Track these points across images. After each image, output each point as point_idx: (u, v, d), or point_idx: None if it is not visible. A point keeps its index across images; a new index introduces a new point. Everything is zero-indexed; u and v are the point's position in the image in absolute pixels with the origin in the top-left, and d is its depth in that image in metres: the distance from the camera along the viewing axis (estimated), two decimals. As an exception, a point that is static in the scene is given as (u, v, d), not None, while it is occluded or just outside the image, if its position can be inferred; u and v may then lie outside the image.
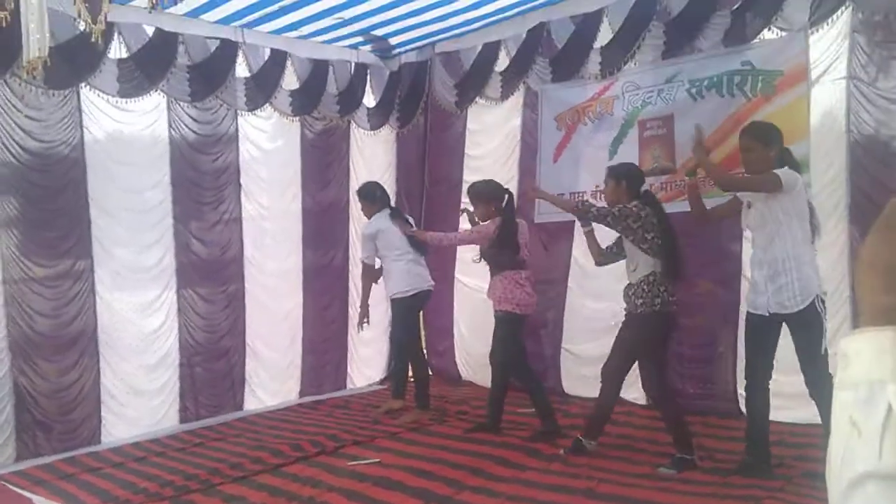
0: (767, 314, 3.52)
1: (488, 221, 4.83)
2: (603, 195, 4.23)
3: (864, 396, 0.70)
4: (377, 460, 4.30)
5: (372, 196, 5.56)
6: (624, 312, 4.11)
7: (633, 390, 5.15)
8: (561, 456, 4.12)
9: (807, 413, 3.91)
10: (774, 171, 3.51)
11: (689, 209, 4.50)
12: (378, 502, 3.60)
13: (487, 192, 4.90)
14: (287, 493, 3.80)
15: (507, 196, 4.88)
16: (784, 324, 3.53)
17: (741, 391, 4.69)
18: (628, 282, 4.06)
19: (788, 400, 3.75)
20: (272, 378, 6.13)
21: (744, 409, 4.60)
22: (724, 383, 4.84)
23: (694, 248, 4.80)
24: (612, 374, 4.08)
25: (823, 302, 3.45)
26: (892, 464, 0.66)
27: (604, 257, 4.39)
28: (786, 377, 3.74)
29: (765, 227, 3.53)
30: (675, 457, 3.85)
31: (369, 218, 5.52)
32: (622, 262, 4.31)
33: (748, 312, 3.70)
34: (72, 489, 4.12)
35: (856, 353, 0.73)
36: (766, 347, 3.59)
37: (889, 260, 0.75)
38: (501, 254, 4.75)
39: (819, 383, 3.33)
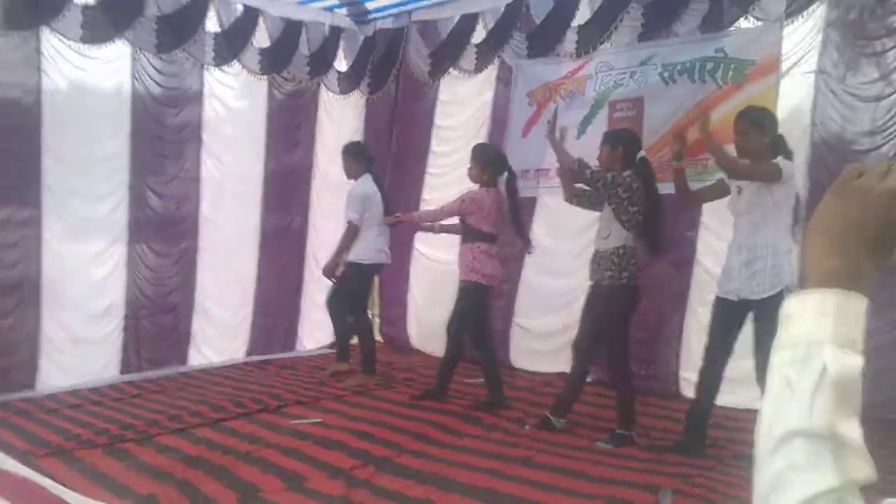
0: (736, 299, 3.52)
1: (480, 190, 4.68)
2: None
3: (801, 356, 0.71)
4: (319, 420, 4.26)
5: (360, 155, 5.44)
6: (589, 285, 4.08)
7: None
8: (525, 431, 4.05)
9: (744, 398, 3.96)
10: (775, 161, 3.46)
11: (663, 191, 4.56)
12: (316, 461, 3.55)
13: (487, 157, 4.76)
14: (224, 447, 3.74)
15: (508, 171, 4.75)
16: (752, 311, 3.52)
17: (682, 374, 4.76)
18: (596, 249, 4.00)
19: (729, 384, 3.77)
20: (220, 336, 6.04)
21: (683, 392, 4.70)
22: (667, 365, 4.91)
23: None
24: (584, 349, 4.06)
25: (788, 294, 3.43)
26: (821, 423, 0.67)
27: (576, 198, 4.30)
28: (733, 362, 3.76)
29: (752, 214, 3.50)
30: (614, 432, 3.87)
31: (351, 177, 5.40)
32: (581, 239, 4.30)
33: (717, 297, 3.68)
34: (1, 432, 4.00)
35: (799, 313, 0.74)
36: (729, 333, 3.59)
37: (840, 225, 0.76)
38: (481, 224, 4.64)
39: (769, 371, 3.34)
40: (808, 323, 0.72)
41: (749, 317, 3.54)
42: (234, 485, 3.23)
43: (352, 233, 5.27)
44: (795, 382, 0.69)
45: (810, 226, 0.78)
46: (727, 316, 3.59)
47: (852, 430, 0.67)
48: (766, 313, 3.36)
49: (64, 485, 3.06)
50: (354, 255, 5.31)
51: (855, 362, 0.69)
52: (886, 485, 0.64)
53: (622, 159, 3.99)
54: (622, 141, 4.07)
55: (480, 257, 4.61)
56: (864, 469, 0.66)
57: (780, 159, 3.49)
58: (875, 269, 0.75)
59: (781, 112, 4.52)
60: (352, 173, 5.41)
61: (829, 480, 0.65)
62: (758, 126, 3.56)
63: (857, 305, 0.72)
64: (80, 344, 5.19)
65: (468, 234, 4.68)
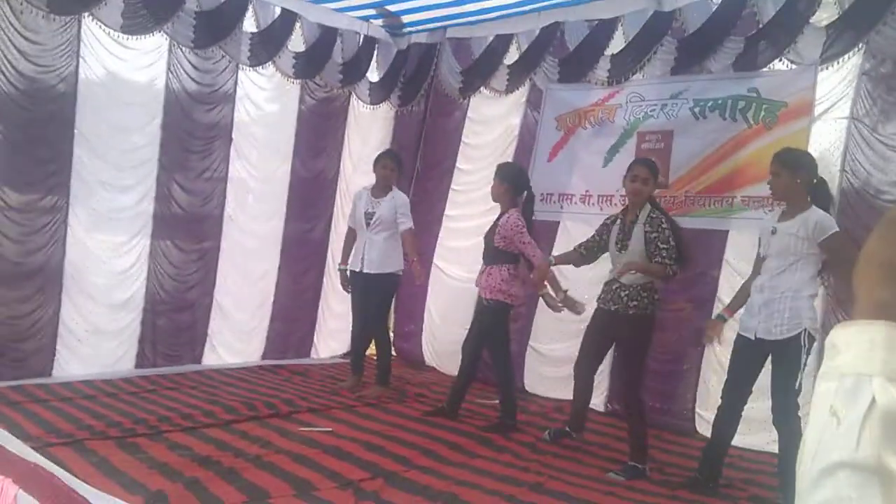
0: (754, 338, 3.51)
1: (514, 213, 4.65)
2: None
3: (849, 387, 0.69)
4: (330, 429, 4.26)
5: (401, 164, 5.48)
6: (602, 310, 4.07)
7: (592, 396, 5.17)
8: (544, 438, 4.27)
9: (761, 440, 3.94)
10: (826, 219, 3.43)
11: (690, 225, 4.71)
12: (325, 469, 3.55)
13: (512, 175, 4.79)
14: (234, 449, 3.75)
15: (528, 191, 4.79)
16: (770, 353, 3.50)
17: (699, 411, 4.73)
18: (617, 280, 3.96)
19: (746, 424, 3.76)
20: (236, 338, 6.07)
21: (699, 429, 4.68)
22: (684, 401, 4.87)
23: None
24: (634, 382, 4.07)
25: (812, 338, 3.39)
26: (868, 455, 0.66)
27: (583, 259, 4.32)
28: (750, 402, 3.75)
29: (783, 258, 3.48)
30: (626, 464, 3.85)
31: (391, 185, 5.33)
32: (600, 266, 4.31)
33: (738, 334, 3.66)
34: (16, 417, 4.04)
35: (845, 344, 0.73)
36: (748, 371, 3.58)
37: (886, 256, 0.75)
38: (510, 247, 4.63)
39: (785, 413, 3.33)
40: (856, 354, 0.70)
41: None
42: (244, 487, 3.24)
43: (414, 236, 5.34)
44: (842, 413, 0.68)
45: (861, 257, 0.77)
46: (745, 354, 3.58)
47: None
48: (783, 354, 3.37)
49: (74, 474, 3.07)
50: (394, 265, 5.27)
51: None
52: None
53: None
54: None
55: (507, 278, 4.63)
56: None
57: (813, 209, 3.47)
58: None
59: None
60: (394, 182, 5.36)
61: None
62: (788, 167, 3.54)
63: None
64: (98, 334, 5.24)
65: (499, 256, 4.66)
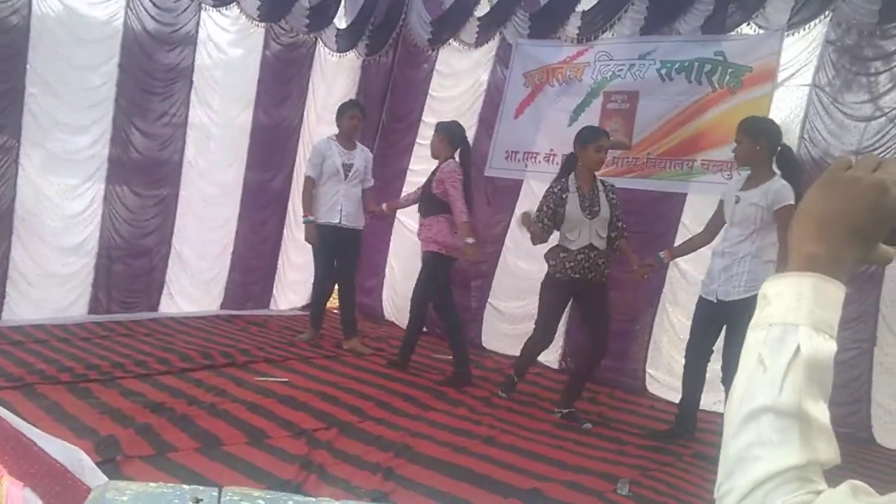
0: (715, 300, 3.66)
1: (452, 163, 4.67)
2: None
3: (776, 336, 0.71)
4: (286, 380, 4.27)
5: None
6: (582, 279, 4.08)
7: (547, 353, 5.25)
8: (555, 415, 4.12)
9: (708, 400, 4.06)
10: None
11: (636, 186, 4.86)
12: (279, 418, 3.57)
13: (447, 128, 4.81)
14: (188, 397, 3.74)
15: (463, 146, 4.78)
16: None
17: (650, 370, 4.85)
18: (597, 247, 4.06)
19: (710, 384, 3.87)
20: (195, 286, 6.00)
21: (649, 388, 4.81)
22: (635, 361, 4.97)
23: (631, 228, 4.86)
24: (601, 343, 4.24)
25: None
26: (791, 401, 0.68)
27: (547, 233, 4.18)
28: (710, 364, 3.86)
29: (745, 226, 3.59)
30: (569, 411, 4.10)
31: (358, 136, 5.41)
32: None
33: (700, 297, 3.82)
34: (-36, 360, 3.97)
35: (776, 294, 0.74)
36: (708, 332, 3.75)
37: (823, 212, 0.76)
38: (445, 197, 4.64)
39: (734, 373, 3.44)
40: (785, 304, 0.72)
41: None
42: (196, 434, 3.24)
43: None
44: (768, 361, 0.70)
45: (797, 211, 0.78)
46: (706, 316, 3.75)
47: (821, 412, 0.68)
48: (739, 315, 3.46)
49: (23, 418, 3.03)
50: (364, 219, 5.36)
51: (829, 347, 0.70)
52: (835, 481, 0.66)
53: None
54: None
55: (443, 229, 4.64)
56: (829, 451, 0.67)
57: (775, 179, 3.56)
58: (856, 260, 0.75)
59: (773, 122, 4.60)
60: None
61: (794, 458, 0.66)
62: (751, 135, 3.63)
63: (835, 292, 0.73)
64: (49, 278, 5.13)
65: (434, 205, 4.67)
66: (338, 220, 5.12)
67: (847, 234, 0.75)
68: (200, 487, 1.17)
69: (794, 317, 0.71)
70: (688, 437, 3.85)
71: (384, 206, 5.31)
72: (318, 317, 5.46)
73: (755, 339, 0.74)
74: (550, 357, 5.18)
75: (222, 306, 6.13)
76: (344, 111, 5.23)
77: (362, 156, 5.26)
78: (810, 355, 0.69)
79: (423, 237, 4.74)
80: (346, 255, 5.27)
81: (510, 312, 5.66)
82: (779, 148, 3.65)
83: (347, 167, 5.14)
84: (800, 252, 0.76)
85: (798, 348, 0.69)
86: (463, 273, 5.99)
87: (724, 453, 0.71)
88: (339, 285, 5.43)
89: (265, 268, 6.42)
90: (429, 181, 4.75)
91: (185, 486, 1.17)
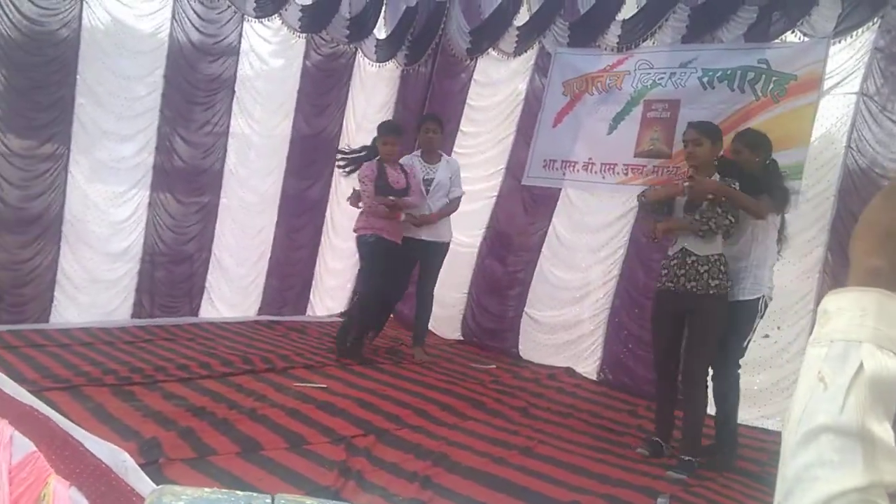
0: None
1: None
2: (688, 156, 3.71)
3: (838, 353, 0.69)
4: (324, 386, 4.30)
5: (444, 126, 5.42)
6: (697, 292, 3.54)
7: (585, 364, 5.22)
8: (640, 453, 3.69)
9: (752, 414, 3.98)
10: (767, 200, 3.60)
11: None
12: (318, 424, 3.59)
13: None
14: (229, 401, 3.79)
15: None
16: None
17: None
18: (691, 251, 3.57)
19: (748, 399, 3.79)
20: (233, 291, 6.08)
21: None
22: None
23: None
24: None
25: (766, 304, 3.68)
26: (852, 420, 0.66)
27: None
28: (742, 377, 3.78)
29: (740, 231, 3.67)
30: (682, 458, 3.53)
31: (436, 147, 5.29)
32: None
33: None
34: (13, 360, 4.07)
35: (837, 310, 0.72)
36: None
37: (883, 224, 0.75)
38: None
39: (724, 375, 3.65)
40: (847, 320, 0.70)
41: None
42: (237, 438, 3.28)
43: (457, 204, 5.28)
44: (829, 378, 0.68)
45: (857, 225, 0.77)
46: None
47: (885, 432, 0.66)
48: (740, 315, 3.61)
49: (69, 418, 3.10)
50: (447, 235, 5.27)
51: (894, 364, 0.68)
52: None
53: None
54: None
55: (371, 215, 5.01)
56: (894, 472, 0.65)
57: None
58: None
59: (818, 130, 4.51)
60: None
61: (856, 479, 0.64)
62: (749, 147, 3.72)
63: None
64: (95, 283, 5.26)
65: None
66: (415, 234, 5.12)
67: None
68: (254, 494, 1.18)
69: (857, 333, 0.69)
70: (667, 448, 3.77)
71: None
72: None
73: (815, 355, 0.72)
74: (589, 368, 5.13)
75: (260, 311, 6.20)
76: (419, 126, 5.36)
77: (447, 167, 5.23)
78: (874, 373, 0.67)
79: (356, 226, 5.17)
80: (428, 268, 5.27)
81: (546, 322, 5.62)
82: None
83: (428, 182, 5.16)
84: (862, 266, 0.74)
85: (861, 366, 0.67)
86: (499, 282, 5.98)
87: (781, 472, 0.70)
88: (418, 297, 5.36)
89: (301, 274, 6.47)
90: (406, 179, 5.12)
91: (240, 493, 1.18)
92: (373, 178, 4.93)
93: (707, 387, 3.64)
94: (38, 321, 4.94)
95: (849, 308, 0.71)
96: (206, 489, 1.27)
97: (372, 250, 4.98)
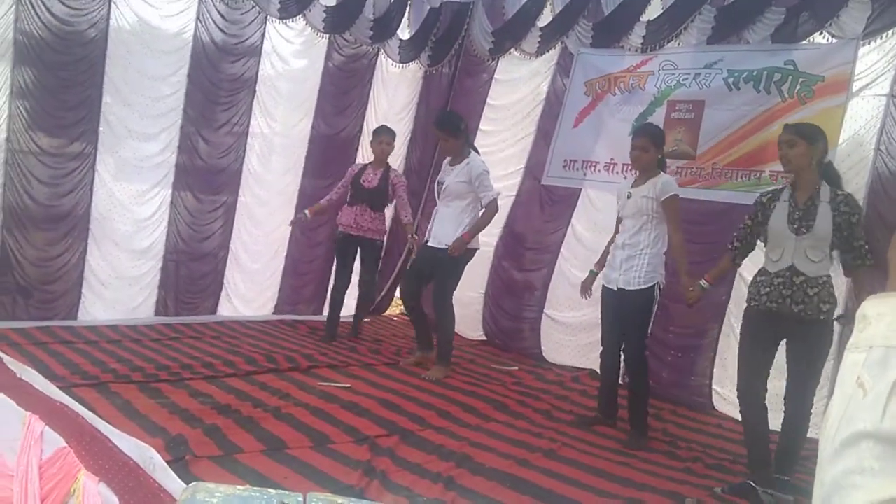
0: (616, 289, 3.96)
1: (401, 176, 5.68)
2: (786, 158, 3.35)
3: (878, 359, 0.68)
4: (348, 386, 4.31)
5: (458, 128, 4.88)
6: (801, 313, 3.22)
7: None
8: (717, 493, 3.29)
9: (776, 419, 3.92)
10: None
11: (701, 197, 4.76)
12: (342, 424, 3.61)
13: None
14: (254, 400, 3.82)
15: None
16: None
17: (716, 388, 4.73)
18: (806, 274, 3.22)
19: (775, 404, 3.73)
20: (249, 289, 6.11)
21: (716, 405, 4.68)
22: (701, 376, 4.83)
23: (696, 239, 4.78)
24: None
25: (661, 290, 3.93)
26: (893, 427, 0.65)
27: (739, 255, 3.67)
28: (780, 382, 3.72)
29: (637, 218, 3.94)
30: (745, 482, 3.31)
31: (455, 151, 4.85)
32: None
33: (602, 286, 4.13)
34: (43, 356, 4.13)
35: (877, 315, 0.72)
36: (615, 318, 4.03)
37: None
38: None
39: (639, 351, 3.91)
40: (887, 326, 0.69)
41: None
42: (262, 437, 3.31)
43: (495, 212, 4.82)
44: (869, 385, 0.67)
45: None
46: (611, 304, 4.04)
47: None
48: (631, 303, 3.89)
49: (98, 415, 3.14)
50: (476, 240, 4.87)
51: None
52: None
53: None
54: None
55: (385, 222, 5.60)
56: None
57: (661, 174, 3.96)
58: None
59: (847, 132, 4.46)
60: (455, 148, 4.84)
61: None
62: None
63: None
64: (120, 279, 5.32)
65: (383, 202, 5.64)
66: (427, 239, 4.95)
67: None
68: (286, 492, 1.19)
69: None
70: (610, 422, 4.10)
71: (307, 212, 5.60)
72: (424, 337, 5.12)
73: (854, 360, 0.71)
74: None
75: (276, 309, 6.24)
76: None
77: (463, 170, 4.75)
78: None
79: (374, 228, 5.53)
80: (436, 276, 4.92)
81: (567, 322, 5.60)
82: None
83: (440, 185, 4.90)
84: None
85: None
86: (515, 282, 5.97)
87: (819, 478, 0.69)
88: (433, 306, 5.05)
89: (317, 272, 6.48)
90: (382, 182, 5.50)
91: (272, 491, 1.19)
92: (352, 174, 5.57)
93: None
94: (66, 318, 5.00)
95: (889, 313, 0.70)
96: (239, 487, 1.28)
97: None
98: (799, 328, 3.22)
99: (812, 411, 3.36)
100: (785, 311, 3.22)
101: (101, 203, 5.13)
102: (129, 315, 5.33)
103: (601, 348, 4.21)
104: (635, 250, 3.91)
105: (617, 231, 4.17)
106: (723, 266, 3.73)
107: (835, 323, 3.30)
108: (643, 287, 3.87)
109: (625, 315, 3.94)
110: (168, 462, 2.72)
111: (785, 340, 3.34)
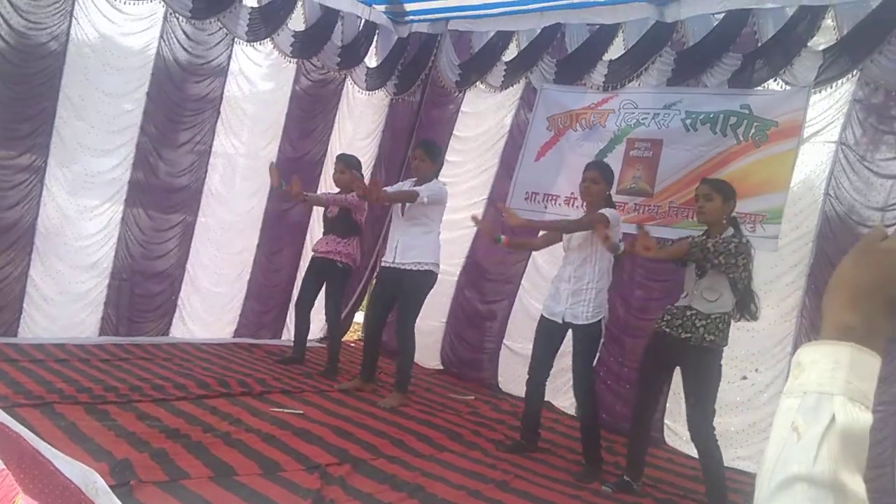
0: (561, 322, 4.03)
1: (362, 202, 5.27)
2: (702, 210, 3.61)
3: (811, 404, 0.71)
4: (301, 412, 4.25)
5: (438, 156, 5.00)
6: (666, 333, 3.58)
7: (563, 398, 5.21)
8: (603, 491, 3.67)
9: (729, 455, 3.99)
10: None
11: (658, 234, 4.66)
12: (293, 451, 3.54)
13: (354, 164, 5.50)
14: (204, 425, 3.73)
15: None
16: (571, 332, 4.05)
17: (667, 422, 4.78)
18: (695, 307, 3.52)
19: (725, 440, 3.79)
20: (208, 312, 6.01)
21: (667, 440, 4.73)
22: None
23: (653, 277, 4.86)
24: (709, 425, 3.52)
25: (604, 323, 4.03)
26: (825, 470, 0.67)
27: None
28: (719, 418, 3.79)
29: (582, 250, 4.02)
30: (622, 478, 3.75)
31: (424, 175, 4.83)
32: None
33: (542, 316, 4.19)
34: (-16, 375, 4.00)
35: (811, 362, 0.74)
36: (551, 349, 4.15)
37: (857, 281, 0.77)
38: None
39: (586, 382, 3.98)
40: (820, 373, 0.72)
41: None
42: (210, 462, 3.22)
43: (412, 197, 4.66)
44: (803, 429, 0.69)
45: (831, 280, 0.78)
46: (550, 333, 4.12)
47: (856, 484, 0.67)
48: (584, 337, 3.98)
49: (41, 437, 3.04)
50: (425, 259, 4.78)
51: (865, 418, 0.70)
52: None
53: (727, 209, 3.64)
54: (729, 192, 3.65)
55: (357, 249, 5.56)
56: None
57: (606, 209, 4.03)
58: (891, 331, 0.75)
59: (797, 177, 4.60)
60: (427, 172, 4.83)
61: None
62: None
63: (871, 363, 0.72)
64: (64, 295, 5.18)
65: (353, 228, 5.51)
66: (391, 259, 4.85)
67: (882, 305, 0.75)
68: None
69: (830, 386, 0.71)
70: (532, 448, 4.18)
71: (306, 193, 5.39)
72: (369, 368, 5.12)
73: (788, 405, 0.73)
74: (567, 403, 5.13)
75: (236, 333, 6.14)
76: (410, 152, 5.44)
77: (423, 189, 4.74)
78: (846, 426, 0.69)
79: (342, 252, 5.42)
80: (400, 303, 4.89)
81: (525, 353, 5.52)
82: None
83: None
84: (834, 321, 0.76)
85: (833, 418, 0.69)
86: (477, 312, 5.99)
87: None
88: (396, 333, 5.02)
89: (279, 297, 6.42)
90: (345, 209, 5.41)
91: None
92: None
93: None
94: (6, 333, 4.84)
95: (822, 360, 0.73)
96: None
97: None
98: (676, 346, 3.55)
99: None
100: (679, 333, 3.58)
101: (47, 217, 5.01)
102: (71, 332, 5.19)
103: (528, 377, 4.25)
104: (581, 284, 3.98)
105: (542, 239, 4.41)
106: (675, 250, 3.68)
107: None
108: (591, 322, 3.95)
109: (574, 350, 4.02)
110: (112, 487, 2.62)
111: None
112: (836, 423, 0.69)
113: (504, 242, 4.46)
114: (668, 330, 3.58)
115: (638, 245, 3.56)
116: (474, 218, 4.68)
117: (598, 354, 4.05)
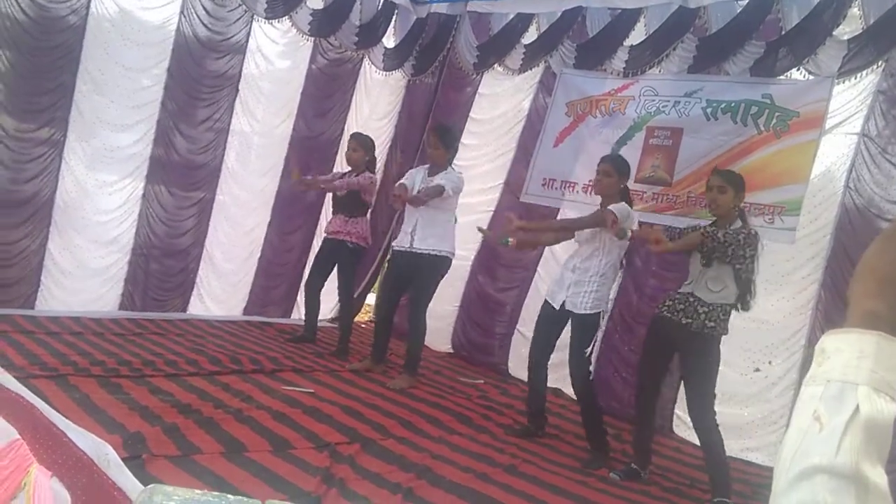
0: (558, 308, 4.06)
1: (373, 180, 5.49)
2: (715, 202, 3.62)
3: (834, 393, 0.69)
4: (311, 391, 4.27)
5: (454, 143, 4.98)
6: (667, 318, 3.61)
7: (568, 384, 5.20)
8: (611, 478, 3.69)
9: (736, 446, 3.98)
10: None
11: (676, 224, 4.61)
12: (303, 429, 3.57)
13: (372, 146, 5.55)
14: (216, 400, 3.77)
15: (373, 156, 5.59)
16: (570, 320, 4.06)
17: (678, 412, 4.77)
18: (697, 296, 3.53)
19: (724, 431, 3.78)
20: (222, 289, 6.05)
21: (675, 430, 4.72)
22: (663, 399, 4.85)
23: (670, 267, 4.82)
24: (710, 411, 3.54)
25: (604, 316, 4.11)
26: (847, 462, 0.66)
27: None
28: (723, 408, 3.78)
29: (590, 244, 4.02)
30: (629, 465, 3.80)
31: (438, 163, 4.82)
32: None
33: (545, 301, 4.20)
34: (1, 345, 4.04)
35: (835, 350, 0.72)
36: (551, 332, 4.19)
37: (885, 268, 0.75)
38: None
39: (580, 370, 3.98)
40: (845, 361, 0.70)
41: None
42: (222, 438, 3.25)
43: (440, 193, 4.65)
44: (825, 419, 0.68)
45: (857, 267, 0.77)
46: (552, 319, 4.14)
47: (878, 476, 0.66)
48: (580, 325, 3.99)
49: (55, 408, 3.07)
50: (451, 246, 4.86)
51: (890, 409, 0.68)
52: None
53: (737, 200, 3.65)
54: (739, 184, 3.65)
55: (367, 228, 5.55)
56: None
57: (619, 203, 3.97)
58: None
59: (817, 169, 4.55)
60: (443, 160, 4.81)
61: None
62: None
63: None
64: (83, 269, 5.22)
65: (361, 208, 5.49)
66: (408, 245, 4.82)
67: None
68: (244, 498, 1.17)
69: (854, 375, 0.69)
70: (540, 433, 4.21)
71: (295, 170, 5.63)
72: (379, 350, 5.14)
73: (811, 393, 0.72)
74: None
75: (246, 310, 6.18)
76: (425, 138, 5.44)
77: (445, 177, 4.75)
78: (870, 416, 0.67)
79: (351, 232, 5.40)
80: (414, 286, 4.92)
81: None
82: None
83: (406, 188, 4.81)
84: (860, 308, 0.74)
85: (857, 408, 0.67)
86: (490, 297, 5.99)
87: None
88: (409, 317, 5.03)
89: (289, 274, 6.44)
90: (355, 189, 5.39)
91: (231, 497, 1.18)
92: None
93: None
94: (23, 305, 4.89)
95: (847, 349, 0.71)
96: (198, 491, 1.26)
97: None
98: (678, 332, 3.58)
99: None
100: (679, 318, 3.62)
101: (66, 191, 5.04)
102: (89, 307, 5.23)
103: (529, 361, 4.28)
104: (585, 276, 3.98)
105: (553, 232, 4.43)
106: (688, 242, 3.62)
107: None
108: (589, 312, 3.96)
109: (572, 337, 4.03)
110: (124, 460, 2.64)
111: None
112: (859, 414, 0.67)
113: (512, 244, 4.53)
114: (669, 315, 3.61)
115: (649, 244, 3.64)
116: (480, 229, 4.85)
117: (594, 345, 4.07)
